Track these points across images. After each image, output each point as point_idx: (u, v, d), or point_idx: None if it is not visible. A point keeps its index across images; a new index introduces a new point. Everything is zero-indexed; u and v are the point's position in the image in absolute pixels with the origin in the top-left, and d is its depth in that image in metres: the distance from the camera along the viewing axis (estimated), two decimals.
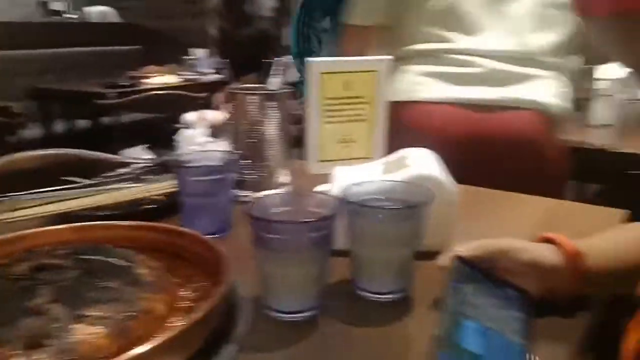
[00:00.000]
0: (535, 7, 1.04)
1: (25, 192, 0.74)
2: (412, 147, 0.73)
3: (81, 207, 0.73)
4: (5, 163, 1.13)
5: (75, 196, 0.76)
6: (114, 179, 0.87)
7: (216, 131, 1.19)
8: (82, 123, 3.35)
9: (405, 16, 1.10)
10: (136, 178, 0.89)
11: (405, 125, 1.03)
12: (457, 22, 1.05)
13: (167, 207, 0.78)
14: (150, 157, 1.15)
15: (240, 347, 0.48)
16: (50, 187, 0.81)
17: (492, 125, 1.02)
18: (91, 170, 1.03)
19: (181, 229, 0.56)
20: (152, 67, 3.55)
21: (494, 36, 1.04)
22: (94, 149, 1.20)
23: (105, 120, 3.22)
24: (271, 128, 0.89)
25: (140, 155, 1.69)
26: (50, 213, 0.70)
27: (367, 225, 0.52)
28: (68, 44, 3.92)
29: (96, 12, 4.56)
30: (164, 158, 0.99)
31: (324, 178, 0.77)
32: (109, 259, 0.49)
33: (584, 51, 1.09)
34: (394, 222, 0.52)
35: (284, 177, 0.90)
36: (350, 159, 0.89)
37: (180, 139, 1.13)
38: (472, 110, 1.03)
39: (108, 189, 0.80)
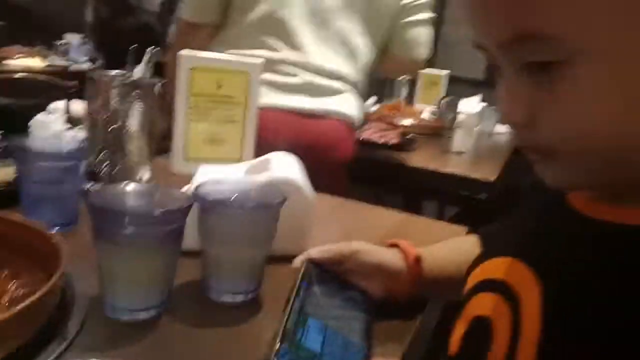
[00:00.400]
0: (347, 34, 1.18)
1: None
2: None
3: None
4: None
5: None
6: None
7: (78, 121, 1.10)
8: None
9: (235, 19, 1.16)
10: None
11: None
12: (283, 33, 1.13)
13: (8, 195, 0.70)
14: None
15: (69, 344, 0.44)
16: None
17: (312, 130, 1.15)
18: None
19: (15, 217, 0.51)
20: (16, 48, 3.21)
21: (313, 52, 1.15)
22: None
23: None
24: (134, 119, 0.84)
25: None
26: None
27: (218, 223, 0.51)
28: None
29: None
30: (7, 143, 0.89)
31: (189, 178, 0.75)
32: None
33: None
34: (246, 221, 0.52)
35: (145, 172, 0.85)
36: (219, 159, 0.87)
37: (34, 125, 1.03)
38: (296, 116, 1.14)
39: None
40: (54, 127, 1.01)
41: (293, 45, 1.14)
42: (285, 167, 0.68)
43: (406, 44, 1.27)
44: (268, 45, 1.13)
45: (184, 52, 0.85)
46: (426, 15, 1.27)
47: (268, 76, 1.11)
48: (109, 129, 0.83)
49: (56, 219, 0.65)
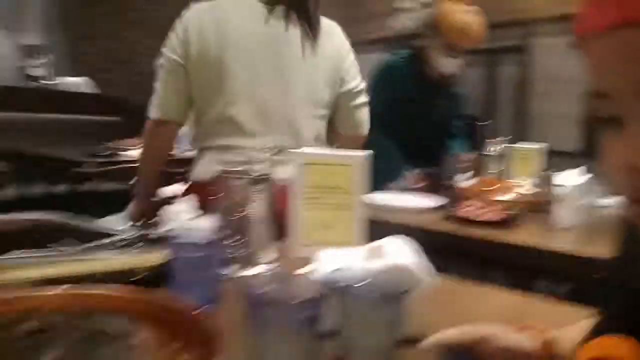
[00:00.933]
0: (291, 120, 1.44)
1: (17, 256, 0.76)
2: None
3: (71, 275, 0.75)
4: None
5: (65, 262, 0.78)
6: (101, 248, 0.90)
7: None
8: (60, 188, 3.34)
9: (199, 118, 1.46)
10: (121, 248, 0.91)
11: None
12: (234, 127, 1.41)
13: (154, 279, 0.80)
14: (131, 227, 1.18)
15: None
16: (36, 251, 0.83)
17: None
18: (75, 237, 1.05)
19: (177, 299, 0.59)
20: (131, 140, 3.62)
21: (260, 136, 1.41)
22: (72, 214, 1.23)
23: (83, 187, 3.21)
24: (256, 209, 0.94)
25: (117, 223, 1.71)
26: (40, 278, 0.72)
27: (350, 309, 0.57)
28: (46, 110, 3.98)
29: (71, 82, 4.66)
30: (149, 231, 1.02)
31: (307, 260, 0.81)
32: (105, 327, 0.52)
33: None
34: (373, 307, 0.56)
35: (268, 256, 0.94)
36: (332, 243, 0.94)
37: (165, 213, 1.16)
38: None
39: (96, 258, 0.82)
40: (184, 215, 1.14)
41: (243, 133, 1.40)
42: (400, 252, 0.72)
43: (354, 124, 1.58)
44: (221, 134, 1.42)
45: (296, 150, 0.96)
46: (364, 99, 1.57)
47: (220, 156, 1.40)
48: (235, 217, 0.94)
49: (199, 300, 0.74)
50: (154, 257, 0.83)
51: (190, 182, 1.50)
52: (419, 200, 1.76)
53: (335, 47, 1.50)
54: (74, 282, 0.73)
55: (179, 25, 1.43)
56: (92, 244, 0.93)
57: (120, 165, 2.90)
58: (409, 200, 1.76)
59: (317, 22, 1.44)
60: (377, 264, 0.67)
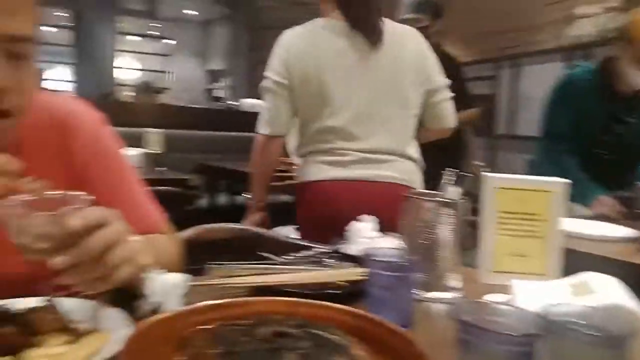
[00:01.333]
0: (386, 121, 1.63)
1: (236, 262, 0.87)
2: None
3: (284, 283, 0.84)
4: (202, 232, 1.32)
5: (276, 271, 0.88)
6: (302, 260, 0.99)
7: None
8: (240, 199, 3.72)
9: (303, 128, 1.67)
10: (319, 262, 1.00)
11: (312, 198, 1.66)
12: (337, 133, 1.61)
13: (348, 294, 0.86)
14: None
15: None
16: (242, 259, 0.94)
17: (369, 192, 1.59)
18: (272, 247, 1.17)
19: (386, 321, 0.63)
20: None
21: (361, 138, 1.62)
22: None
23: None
24: (444, 232, 0.95)
25: (290, 234, 1.85)
26: (260, 284, 0.82)
27: (567, 350, 0.55)
28: (229, 129, 4.45)
29: (249, 103, 5.13)
30: (347, 248, 1.10)
31: (495, 288, 0.80)
32: (331, 336, 0.57)
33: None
34: (599, 349, 0.54)
35: (454, 281, 0.94)
36: (524, 273, 0.91)
37: (351, 231, 1.24)
38: (352, 183, 1.60)
39: (301, 269, 0.91)
40: (367, 233, 1.20)
41: (345, 138, 1.61)
42: (612, 290, 0.68)
43: (440, 118, 1.73)
44: (325, 141, 1.62)
45: (489, 174, 0.95)
46: (447, 94, 1.71)
47: (325, 158, 1.63)
48: (423, 240, 0.96)
49: (394, 321, 0.78)
50: (353, 273, 0.89)
51: (299, 182, 1.72)
52: (614, 229, 1.59)
53: (415, 50, 1.65)
54: (289, 290, 0.82)
55: (278, 50, 1.63)
56: (292, 256, 1.03)
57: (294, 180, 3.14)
58: (602, 228, 1.60)
59: (381, 31, 1.61)
60: (593, 302, 0.63)
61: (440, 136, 1.84)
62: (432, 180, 1.14)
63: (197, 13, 9.64)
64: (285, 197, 3.64)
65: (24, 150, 0.78)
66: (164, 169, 2.95)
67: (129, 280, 0.62)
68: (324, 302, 0.66)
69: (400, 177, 1.63)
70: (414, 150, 1.71)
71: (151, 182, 0.97)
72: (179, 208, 1.92)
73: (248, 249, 1.38)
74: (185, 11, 9.49)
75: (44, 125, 0.82)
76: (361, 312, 0.64)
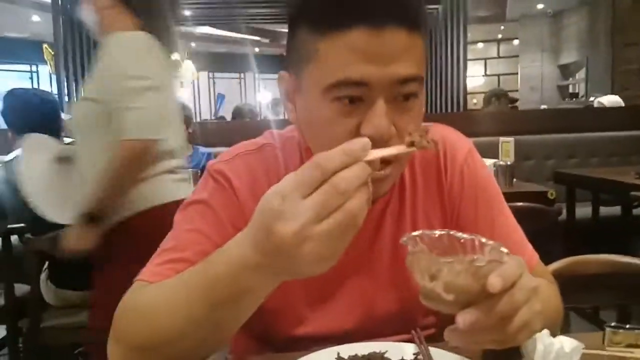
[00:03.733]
0: None
1: None
2: None
3: None
4: (573, 265, 1.11)
5: None
6: None
7: None
8: (608, 211, 3.20)
9: None
10: None
11: None
12: None
13: None
14: None
15: None
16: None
17: None
18: None
19: None
20: None
21: None
22: (623, 243, 1.05)
23: (636, 211, 2.97)
24: None
25: None
26: None
27: None
28: (589, 129, 3.90)
29: (608, 100, 4.37)
30: None
31: None
32: None
33: None
34: None
35: None
36: None
37: None
38: None
39: None
40: None
41: None
42: None
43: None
44: None
45: None
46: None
47: None
48: None
49: None
50: None
51: None
52: None
53: None
54: None
55: None
56: None
57: None
58: None
59: None
60: None
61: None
62: None
63: (542, 6, 8.99)
64: None
65: (405, 187, 0.78)
66: (514, 180, 2.76)
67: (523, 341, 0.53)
68: None
69: None
70: None
71: (507, 197, 0.85)
72: (540, 226, 1.72)
73: (637, 290, 1.11)
74: (538, 6, 8.96)
75: (422, 160, 0.79)
76: None
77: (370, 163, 0.47)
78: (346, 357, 0.58)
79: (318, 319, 0.74)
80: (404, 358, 0.58)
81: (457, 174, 0.79)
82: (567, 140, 3.86)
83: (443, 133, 0.81)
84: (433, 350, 0.57)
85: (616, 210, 3.12)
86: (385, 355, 0.58)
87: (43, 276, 1.86)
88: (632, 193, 2.57)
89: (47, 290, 1.86)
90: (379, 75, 0.60)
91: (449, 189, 0.79)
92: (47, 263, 1.87)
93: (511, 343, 0.52)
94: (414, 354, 0.59)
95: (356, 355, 0.59)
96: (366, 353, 0.59)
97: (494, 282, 0.48)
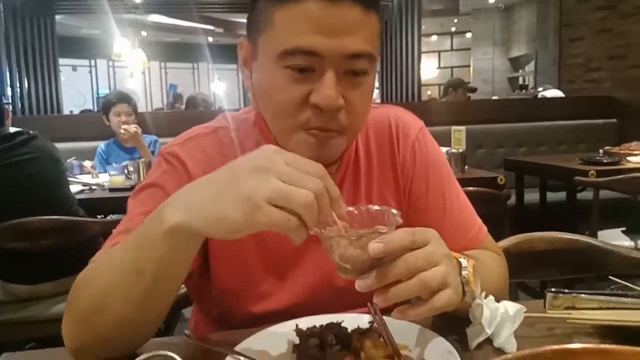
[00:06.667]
0: None
1: (585, 292, 0.71)
2: None
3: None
4: (521, 243, 1.17)
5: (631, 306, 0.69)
6: None
7: None
8: (555, 196, 3.35)
9: None
10: None
11: None
12: None
13: None
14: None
15: None
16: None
17: None
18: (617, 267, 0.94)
19: None
20: (633, 145, 3.24)
21: None
22: (569, 226, 1.11)
23: (580, 195, 3.11)
24: None
25: (617, 239, 1.49)
26: (619, 324, 0.64)
27: None
28: (537, 119, 4.07)
29: (550, 93, 4.55)
30: None
31: None
32: None
33: None
34: None
35: None
36: None
37: None
38: None
39: None
40: None
41: None
42: None
43: None
44: None
45: None
46: None
47: None
48: None
49: None
50: None
51: None
52: None
53: None
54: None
55: None
56: None
57: (623, 175, 2.62)
58: None
59: None
60: None
61: None
62: None
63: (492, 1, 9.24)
64: (611, 193, 3.11)
65: (360, 163, 0.80)
66: (466, 167, 2.85)
67: (452, 306, 0.55)
68: None
69: None
70: None
71: (459, 183, 0.89)
72: (490, 210, 1.78)
73: (580, 265, 1.17)
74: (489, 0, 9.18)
75: (376, 137, 0.82)
76: None
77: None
78: (304, 329, 0.59)
79: (277, 294, 0.76)
80: (359, 326, 0.60)
81: (409, 150, 0.81)
82: (517, 130, 4.01)
83: (396, 112, 0.84)
84: (387, 319, 0.59)
85: (562, 195, 3.26)
86: (343, 325, 0.60)
87: None
88: (576, 178, 2.70)
89: None
90: (329, 47, 0.62)
91: (402, 165, 0.81)
92: None
93: (440, 306, 0.55)
94: (369, 322, 0.61)
95: (314, 326, 0.60)
96: (324, 324, 0.60)
97: (374, 247, 0.52)
